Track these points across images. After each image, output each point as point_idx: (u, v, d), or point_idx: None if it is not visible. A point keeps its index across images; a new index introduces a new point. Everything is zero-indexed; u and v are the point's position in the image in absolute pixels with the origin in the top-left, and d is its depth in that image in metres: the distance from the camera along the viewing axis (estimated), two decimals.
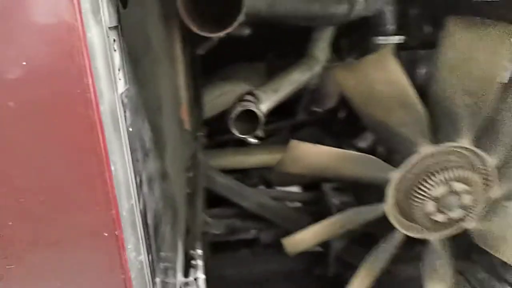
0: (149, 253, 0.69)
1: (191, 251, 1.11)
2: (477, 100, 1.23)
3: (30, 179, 0.56)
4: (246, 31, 1.12)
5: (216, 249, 1.93)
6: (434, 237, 1.45)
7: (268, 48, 1.67)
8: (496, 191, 1.38)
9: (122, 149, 0.58)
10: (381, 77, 1.18)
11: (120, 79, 0.59)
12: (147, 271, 0.69)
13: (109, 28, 0.54)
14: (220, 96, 1.54)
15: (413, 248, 1.59)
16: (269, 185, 2.01)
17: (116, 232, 0.61)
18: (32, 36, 0.49)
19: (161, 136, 0.89)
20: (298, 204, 1.90)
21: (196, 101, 1.36)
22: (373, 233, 1.60)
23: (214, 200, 1.82)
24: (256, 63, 1.68)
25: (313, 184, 1.84)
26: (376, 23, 1.52)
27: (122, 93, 0.58)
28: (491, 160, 1.32)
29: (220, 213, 1.82)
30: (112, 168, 0.56)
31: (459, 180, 1.29)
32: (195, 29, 0.89)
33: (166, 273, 0.87)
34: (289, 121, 1.84)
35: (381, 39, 1.53)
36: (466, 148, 1.30)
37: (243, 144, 1.81)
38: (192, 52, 1.14)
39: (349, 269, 1.57)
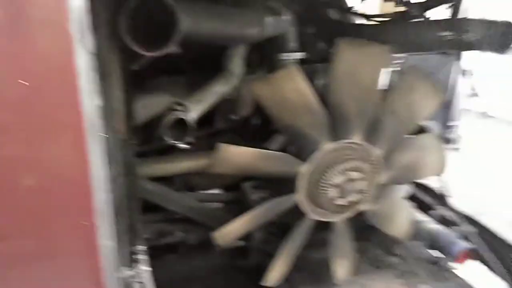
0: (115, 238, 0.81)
1: (134, 247, 1.22)
2: (363, 105, 1.55)
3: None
4: (175, 49, 1.27)
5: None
6: (338, 219, 1.73)
7: (186, 63, 1.81)
8: (382, 177, 1.71)
9: (100, 150, 0.70)
10: (291, 88, 1.42)
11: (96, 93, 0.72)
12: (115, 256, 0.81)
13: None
14: (146, 108, 1.66)
15: (322, 233, 1.86)
16: (192, 190, 2.14)
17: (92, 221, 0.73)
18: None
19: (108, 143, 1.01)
20: (221, 205, 2.07)
21: (128, 112, 1.46)
22: (290, 223, 1.83)
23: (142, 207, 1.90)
24: (176, 77, 1.82)
25: (233, 185, 2.02)
26: (281, 42, 1.78)
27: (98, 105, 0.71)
28: (377, 152, 1.65)
29: (148, 219, 1.92)
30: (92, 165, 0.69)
31: (354, 169, 1.59)
32: (136, 48, 1.02)
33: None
34: (208, 129, 2.00)
35: (285, 55, 1.80)
36: (358, 143, 1.60)
37: (167, 152, 1.94)
38: (126, 67, 1.25)
39: (269, 258, 1.77)
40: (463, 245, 1.90)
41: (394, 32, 1.74)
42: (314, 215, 1.68)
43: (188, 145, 1.43)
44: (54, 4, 0.61)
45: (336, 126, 1.58)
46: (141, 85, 1.70)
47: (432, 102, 1.65)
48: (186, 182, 2.11)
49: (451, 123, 5.96)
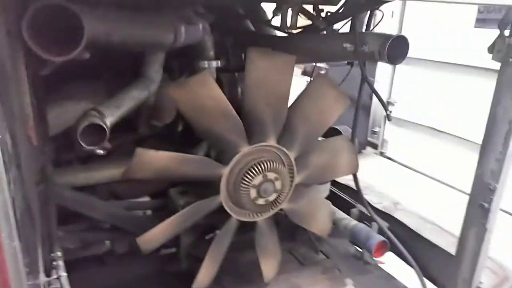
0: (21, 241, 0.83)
1: (51, 254, 1.22)
2: (275, 110, 1.66)
3: None
4: (86, 55, 1.29)
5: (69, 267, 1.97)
6: (260, 219, 1.82)
7: (104, 67, 1.83)
8: (298, 177, 1.82)
9: None
10: (205, 94, 1.50)
11: None
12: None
13: None
14: (63, 114, 1.65)
15: (247, 234, 1.93)
16: (119, 198, 2.13)
17: None
18: None
19: (16, 147, 1.01)
20: (149, 212, 2.07)
21: (41, 119, 1.45)
22: (216, 226, 1.89)
23: (67, 217, 1.87)
24: (94, 82, 1.82)
25: (160, 192, 2.05)
26: (199, 50, 1.86)
27: None
28: (291, 154, 1.76)
29: (73, 229, 1.88)
30: None
31: (271, 170, 1.69)
32: (40, 53, 1.04)
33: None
34: (131, 135, 2.02)
35: (204, 63, 1.88)
36: (273, 146, 1.71)
37: (88, 161, 1.93)
38: (35, 72, 1.26)
39: (200, 262, 1.81)
40: (378, 238, 2.06)
41: (303, 43, 1.88)
42: (237, 216, 1.76)
43: (104, 151, 1.45)
44: None
45: (252, 130, 1.68)
46: (56, 91, 1.69)
47: (339, 107, 1.80)
48: (112, 191, 2.10)
49: (374, 129, 6.40)
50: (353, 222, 2.22)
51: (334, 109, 1.80)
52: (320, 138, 2.08)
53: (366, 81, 1.94)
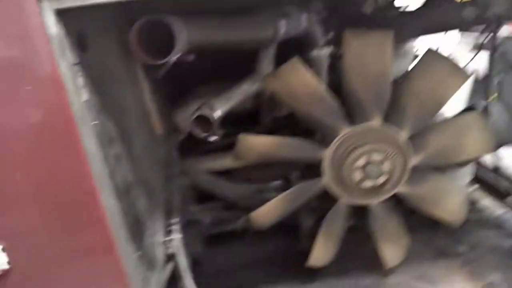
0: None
1: (168, 220, 1.51)
2: (376, 90, 1.60)
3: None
4: (191, 57, 1.54)
5: (211, 242, 2.31)
6: (371, 202, 1.77)
7: (230, 69, 2.07)
8: (413, 159, 1.70)
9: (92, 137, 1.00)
10: (296, 81, 1.57)
11: (84, 93, 1.02)
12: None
13: (73, 64, 0.98)
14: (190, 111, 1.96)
15: None
16: (252, 182, 2.37)
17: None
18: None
19: (128, 134, 1.32)
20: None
21: (165, 112, 1.79)
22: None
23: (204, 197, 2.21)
24: (220, 82, 2.08)
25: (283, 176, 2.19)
26: (309, 40, 1.92)
27: (85, 101, 1.01)
28: (402, 133, 1.66)
29: (209, 207, 2.22)
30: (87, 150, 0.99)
31: (376, 151, 1.64)
32: (141, 57, 1.31)
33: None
34: (257, 127, 2.22)
35: (314, 51, 1.93)
36: (378, 126, 1.65)
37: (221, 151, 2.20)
38: (153, 75, 1.56)
39: None
40: None
41: (417, 18, 1.74)
42: (345, 199, 1.76)
43: (216, 138, 1.68)
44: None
45: (354, 112, 1.66)
46: (192, 93, 2.02)
47: (456, 82, 1.60)
48: (246, 175, 2.36)
49: None
50: (500, 210, 1.91)
51: (449, 84, 1.61)
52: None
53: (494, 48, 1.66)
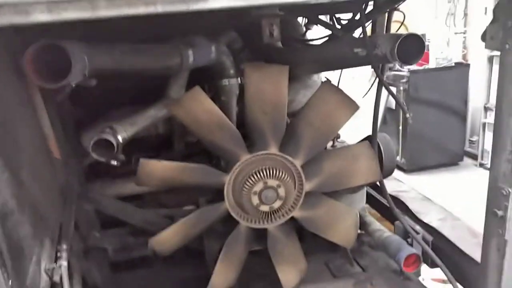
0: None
1: (58, 246, 1.47)
2: (272, 118, 1.71)
3: None
4: (93, 82, 1.55)
5: (118, 268, 2.26)
6: (270, 226, 1.86)
7: (142, 94, 2.09)
8: (307, 185, 1.83)
9: None
10: (198, 108, 1.64)
11: None
12: None
13: None
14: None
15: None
16: (165, 207, 2.37)
17: None
18: None
19: (15, 157, 1.29)
20: None
21: (66, 137, 1.76)
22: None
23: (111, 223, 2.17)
24: (133, 106, 2.09)
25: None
26: (219, 69, 2.00)
27: None
28: (297, 161, 1.78)
29: (115, 233, 2.17)
30: None
31: (271, 177, 1.74)
32: (35, 80, 1.30)
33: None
34: (170, 154, 2.25)
35: (225, 81, 2.02)
36: (275, 154, 1.76)
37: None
38: (53, 100, 1.54)
39: None
40: (408, 250, 1.92)
41: (314, 52, 1.91)
42: (245, 222, 1.83)
43: (118, 162, 1.67)
44: None
45: (254, 140, 1.76)
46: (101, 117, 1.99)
47: (346, 113, 1.77)
48: (156, 200, 2.36)
49: (472, 138, 5.74)
50: (387, 233, 2.10)
51: (340, 114, 1.78)
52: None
53: (384, 85, 1.87)
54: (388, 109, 5.50)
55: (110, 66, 1.55)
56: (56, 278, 1.38)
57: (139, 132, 1.81)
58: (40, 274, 1.34)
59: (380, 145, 2.05)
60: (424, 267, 2.13)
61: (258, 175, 1.72)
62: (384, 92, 1.94)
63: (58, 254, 1.43)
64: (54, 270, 1.39)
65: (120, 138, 1.69)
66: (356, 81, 5.63)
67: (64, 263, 1.41)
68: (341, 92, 1.76)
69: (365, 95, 2.30)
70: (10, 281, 1.11)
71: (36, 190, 1.39)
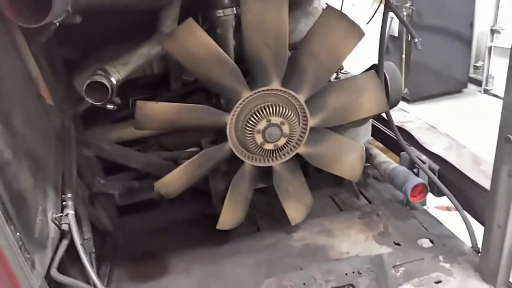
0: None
1: (63, 195, 1.44)
2: (274, 51, 1.61)
3: None
4: (78, 20, 1.42)
5: (125, 212, 2.28)
6: (275, 163, 1.83)
7: (135, 32, 1.95)
8: (312, 121, 1.77)
9: None
10: (193, 42, 1.52)
11: None
12: None
13: None
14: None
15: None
16: (167, 149, 2.34)
17: None
18: None
19: (6, 106, 1.21)
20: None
21: (58, 80, 1.66)
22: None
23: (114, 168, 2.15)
24: (126, 44, 1.97)
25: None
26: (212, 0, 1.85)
27: None
28: (301, 96, 1.71)
29: (119, 178, 2.16)
30: None
31: (275, 114, 1.67)
32: (15, 20, 1.19)
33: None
34: (167, 94, 2.16)
35: (219, 12, 1.87)
36: (278, 89, 1.68)
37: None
38: (38, 41, 1.43)
39: None
40: (415, 181, 1.91)
41: None
42: (249, 161, 1.80)
43: (114, 106, 1.60)
44: None
45: (255, 75, 1.66)
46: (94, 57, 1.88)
47: (352, 40, 1.66)
48: (158, 144, 2.32)
49: (477, 63, 5.59)
50: (393, 165, 2.07)
51: (345, 43, 1.66)
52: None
53: (391, 8, 1.74)
54: (390, 37, 5.30)
55: (96, 3, 1.42)
56: (65, 227, 1.37)
57: (133, 73, 1.72)
58: (47, 224, 1.33)
59: (386, 75, 1.95)
60: (427, 197, 2.14)
61: (261, 113, 1.66)
62: None
63: (64, 203, 1.41)
64: (62, 219, 1.38)
65: (113, 80, 1.60)
66: (357, 8, 5.36)
67: (71, 211, 1.39)
68: (346, 17, 1.62)
69: (369, 21, 2.17)
70: (18, 233, 1.09)
71: (32, 138, 1.33)
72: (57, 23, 1.33)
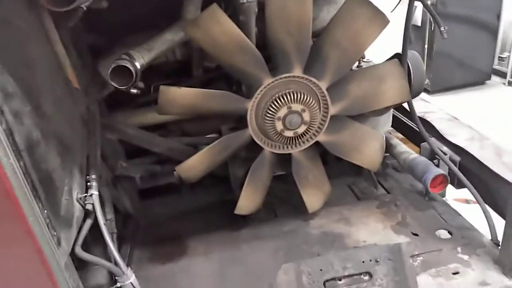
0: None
1: (87, 176, 1.49)
2: (297, 39, 1.60)
3: None
4: (104, 4, 1.45)
5: (146, 196, 2.32)
6: (294, 151, 1.84)
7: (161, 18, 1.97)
8: (333, 108, 1.76)
9: None
10: (216, 30, 1.53)
11: None
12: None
13: None
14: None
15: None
16: (189, 135, 2.36)
17: None
18: None
19: (36, 89, 1.25)
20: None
21: (84, 65, 1.70)
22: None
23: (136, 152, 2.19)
24: (150, 31, 1.99)
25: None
26: None
27: None
28: (322, 83, 1.70)
29: (141, 162, 2.20)
30: None
31: (296, 101, 1.67)
32: (46, 4, 1.22)
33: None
34: (189, 80, 2.17)
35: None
36: (299, 76, 1.68)
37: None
38: (66, 26, 1.46)
39: None
40: (435, 171, 1.89)
41: None
42: (269, 148, 1.81)
43: (138, 90, 1.63)
44: None
45: (277, 62, 1.67)
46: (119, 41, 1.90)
47: (376, 28, 1.64)
48: (179, 129, 2.34)
49: (502, 55, 5.43)
50: (413, 155, 2.06)
51: (369, 30, 1.64)
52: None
53: None
54: (413, 26, 5.18)
55: None
56: (89, 207, 1.41)
57: (156, 58, 1.75)
58: (73, 203, 1.37)
59: (409, 64, 1.93)
60: (447, 189, 2.11)
61: (282, 100, 1.66)
62: None
63: (88, 184, 1.45)
64: (86, 199, 1.42)
65: (138, 65, 1.63)
66: None
67: (95, 192, 1.43)
68: (371, 4, 1.61)
69: (394, 9, 2.13)
70: (45, 211, 1.13)
71: (59, 121, 1.37)
72: (85, 8, 1.35)
